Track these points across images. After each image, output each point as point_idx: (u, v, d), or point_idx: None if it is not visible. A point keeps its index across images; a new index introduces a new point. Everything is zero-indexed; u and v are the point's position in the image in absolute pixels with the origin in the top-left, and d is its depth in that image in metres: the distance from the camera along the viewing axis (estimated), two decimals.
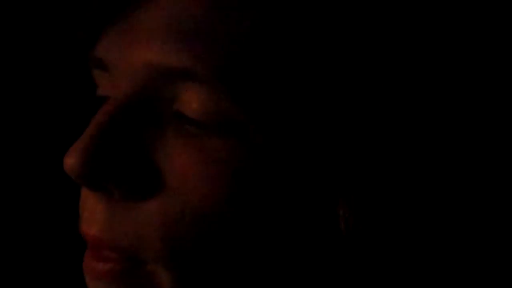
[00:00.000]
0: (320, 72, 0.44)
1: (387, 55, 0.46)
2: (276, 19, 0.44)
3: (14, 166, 0.84)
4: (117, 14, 0.47)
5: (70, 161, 0.45)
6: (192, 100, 0.44)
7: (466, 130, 0.51)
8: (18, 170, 0.84)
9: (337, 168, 0.45)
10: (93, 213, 0.47)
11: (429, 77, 0.48)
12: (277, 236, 0.46)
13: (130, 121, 0.46)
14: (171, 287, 0.46)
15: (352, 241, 0.46)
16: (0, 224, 0.84)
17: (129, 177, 0.45)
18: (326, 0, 0.44)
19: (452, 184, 0.50)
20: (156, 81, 0.45)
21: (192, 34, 0.44)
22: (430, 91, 0.48)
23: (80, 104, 0.69)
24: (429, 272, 0.51)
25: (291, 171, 0.45)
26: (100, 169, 0.45)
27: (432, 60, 0.48)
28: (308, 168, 0.45)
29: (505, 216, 0.53)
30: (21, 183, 0.84)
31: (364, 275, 0.47)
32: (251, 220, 0.45)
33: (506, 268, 0.53)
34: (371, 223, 0.45)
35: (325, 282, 0.48)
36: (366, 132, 0.45)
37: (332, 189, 0.46)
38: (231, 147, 0.44)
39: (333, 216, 0.46)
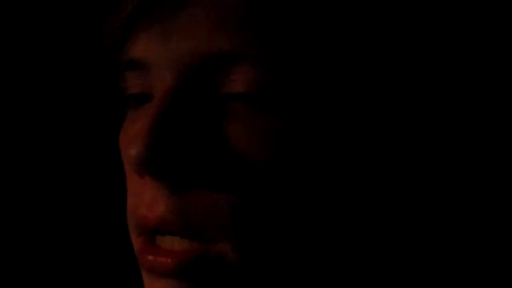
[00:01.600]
0: (354, 49, 0.48)
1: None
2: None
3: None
4: (150, 15, 0.49)
5: (137, 149, 0.47)
6: (242, 80, 0.47)
7: (466, 128, 0.51)
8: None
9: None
10: (156, 198, 0.48)
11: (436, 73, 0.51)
12: (326, 203, 0.49)
13: (183, 108, 0.48)
14: (239, 266, 0.48)
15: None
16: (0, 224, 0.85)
17: (191, 161, 0.48)
18: None
19: (452, 183, 0.51)
20: (203, 68, 0.48)
21: (240, 21, 0.47)
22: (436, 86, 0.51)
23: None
24: (429, 269, 0.51)
25: (327, 135, 0.49)
26: (165, 155, 0.47)
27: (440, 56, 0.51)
28: (343, 134, 0.49)
29: (504, 214, 0.53)
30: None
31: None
32: (306, 188, 0.48)
33: (505, 268, 0.53)
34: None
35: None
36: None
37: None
38: (281, 119, 0.47)
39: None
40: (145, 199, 0.49)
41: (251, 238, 0.48)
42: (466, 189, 0.53)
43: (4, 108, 0.83)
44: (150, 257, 0.49)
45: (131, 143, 0.48)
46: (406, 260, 0.52)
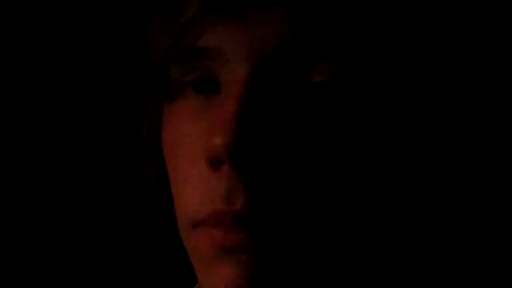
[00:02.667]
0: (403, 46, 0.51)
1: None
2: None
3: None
4: (225, 7, 0.49)
5: (224, 138, 0.47)
6: (322, 73, 0.48)
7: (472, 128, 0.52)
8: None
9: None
10: (235, 190, 0.48)
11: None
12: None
13: (264, 99, 0.48)
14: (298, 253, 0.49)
15: None
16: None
17: (272, 153, 0.48)
18: None
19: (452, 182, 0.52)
20: (283, 61, 0.48)
21: (319, 18, 0.48)
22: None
23: None
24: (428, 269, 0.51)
25: (393, 128, 0.50)
26: (251, 145, 0.47)
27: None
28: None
29: (504, 214, 0.53)
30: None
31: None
32: (371, 179, 0.50)
33: (505, 268, 0.53)
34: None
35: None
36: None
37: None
38: (357, 110, 0.49)
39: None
40: (220, 192, 0.49)
41: (318, 230, 0.48)
42: (469, 189, 0.53)
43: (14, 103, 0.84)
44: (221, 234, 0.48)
45: (214, 132, 0.47)
46: (409, 259, 0.52)
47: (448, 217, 0.52)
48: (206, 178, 0.50)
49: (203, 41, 0.50)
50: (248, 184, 0.48)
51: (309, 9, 0.48)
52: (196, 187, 0.50)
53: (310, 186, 0.48)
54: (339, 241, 0.49)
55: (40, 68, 0.85)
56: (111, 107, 0.85)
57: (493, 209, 0.54)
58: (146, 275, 0.83)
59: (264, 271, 0.48)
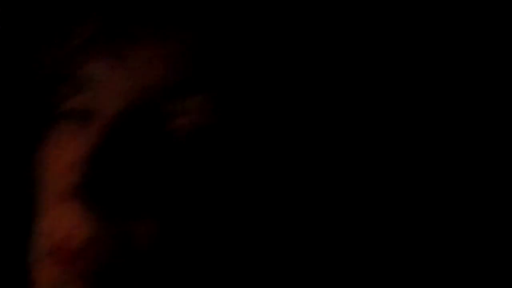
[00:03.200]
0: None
1: None
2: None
3: None
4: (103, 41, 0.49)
5: (81, 172, 0.46)
6: (188, 113, 0.48)
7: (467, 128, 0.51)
8: None
9: None
10: (82, 223, 0.48)
11: None
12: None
13: (128, 134, 0.48)
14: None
15: None
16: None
17: (128, 189, 0.47)
18: None
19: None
20: (152, 98, 0.48)
21: (187, 56, 0.48)
22: None
23: None
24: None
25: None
26: (108, 180, 0.46)
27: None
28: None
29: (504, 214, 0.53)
30: None
31: None
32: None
33: (505, 268, 0.53)
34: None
35: None
36: None
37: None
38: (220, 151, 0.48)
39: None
40: (66, 224, 0.48)
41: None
42: (466, 189, 0.53)
43: None
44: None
45: (73, 167, 0.47)
46: (406, 260, 0.52)
47: (447, 217, 0.52)
48: (57, 209, 0.49)
49: (83, 70, 0.50)
50: (98, 219, 0.47)
51: (186, 52, 0.48)
52: (46, 216, 0.50)
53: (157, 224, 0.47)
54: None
55: None
56: None
57: (493, 209, 0.54)
58: None
59: None
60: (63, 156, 0.50)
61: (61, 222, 0.48)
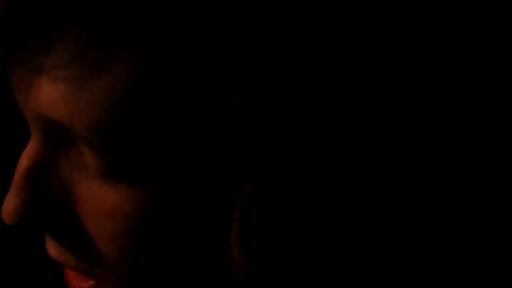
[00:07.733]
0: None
1: None
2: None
3: None
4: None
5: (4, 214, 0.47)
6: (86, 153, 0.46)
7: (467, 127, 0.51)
8: None
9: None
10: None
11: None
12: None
13: (47, 167, 0.47)
14: None
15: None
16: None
17: (57, 222, 0.47)
18: None
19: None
20: (54, 130, 0.46)
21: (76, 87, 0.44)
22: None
23: None
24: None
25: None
26: (31, 216, 0.46)
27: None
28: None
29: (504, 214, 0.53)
30: None
31: None
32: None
33: (505, 268, 0.53)
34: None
35: None
36: None
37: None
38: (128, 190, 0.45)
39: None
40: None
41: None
42: (467, 189, 0.53)
43: None
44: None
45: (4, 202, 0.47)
46: (406, 260, 0.52)
47: (445, 218, 0.52)
48: None
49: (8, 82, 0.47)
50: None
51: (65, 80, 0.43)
52: None
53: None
54: None
55: None
56: None
57: (493, 209, 0.54)
58: None
59: None
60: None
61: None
